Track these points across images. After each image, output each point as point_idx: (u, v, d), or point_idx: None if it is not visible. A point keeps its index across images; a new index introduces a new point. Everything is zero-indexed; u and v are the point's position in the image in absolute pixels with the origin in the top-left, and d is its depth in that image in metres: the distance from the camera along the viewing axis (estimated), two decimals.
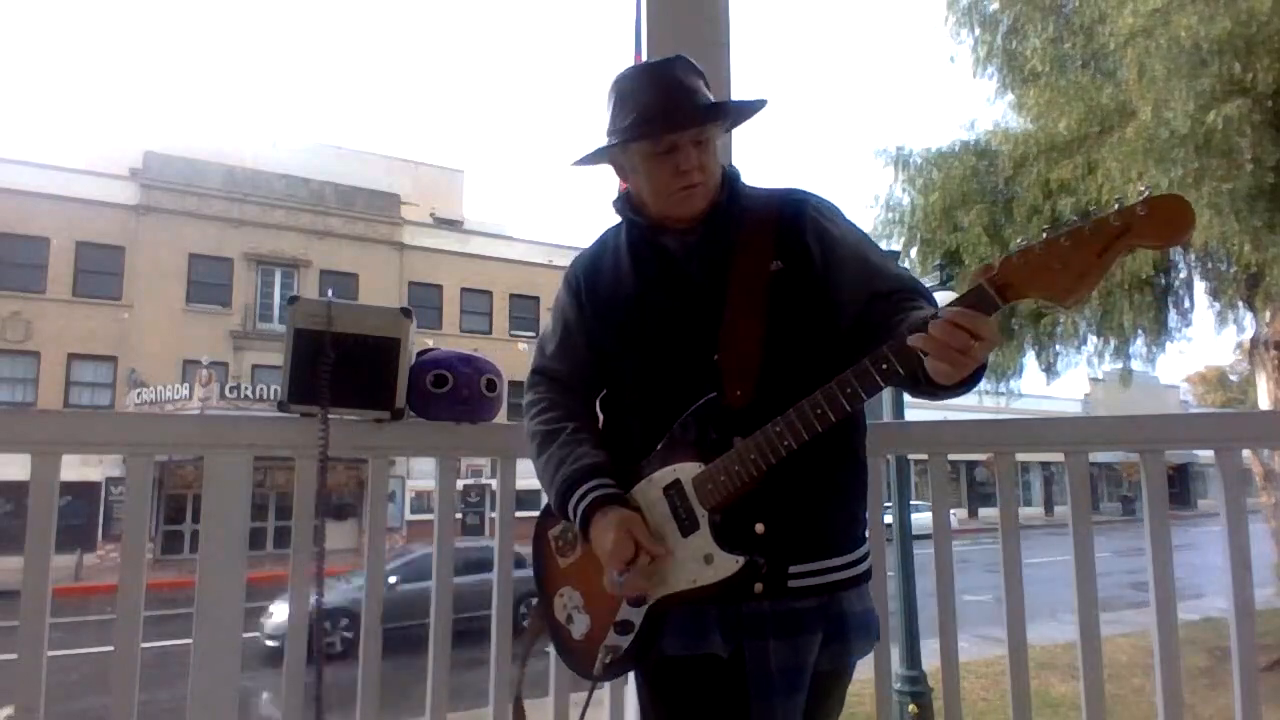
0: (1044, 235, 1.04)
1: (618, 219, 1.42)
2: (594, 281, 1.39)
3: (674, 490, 1.22)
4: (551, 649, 1.52)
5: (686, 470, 1.22)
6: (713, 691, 1.22)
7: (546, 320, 1.48)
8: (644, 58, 2.01)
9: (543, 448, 1.35)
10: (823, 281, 1.28)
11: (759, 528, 1.21)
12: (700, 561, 1.20)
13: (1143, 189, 1.03)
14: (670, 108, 1.26)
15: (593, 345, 1.39)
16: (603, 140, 1.34)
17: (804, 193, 1.37)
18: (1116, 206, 1.01)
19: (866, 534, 1.35)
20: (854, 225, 1.35)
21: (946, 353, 1.03)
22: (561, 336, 1.42)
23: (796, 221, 1.30)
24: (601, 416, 1.42)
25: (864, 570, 1.31)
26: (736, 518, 1.20)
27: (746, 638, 1.21)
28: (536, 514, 1.42)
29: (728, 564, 1.18)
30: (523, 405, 1.45)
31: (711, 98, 1.31)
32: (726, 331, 1.25)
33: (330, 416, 1.70)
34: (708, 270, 1.29)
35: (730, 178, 1.36)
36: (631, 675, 1.41)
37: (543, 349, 1.46)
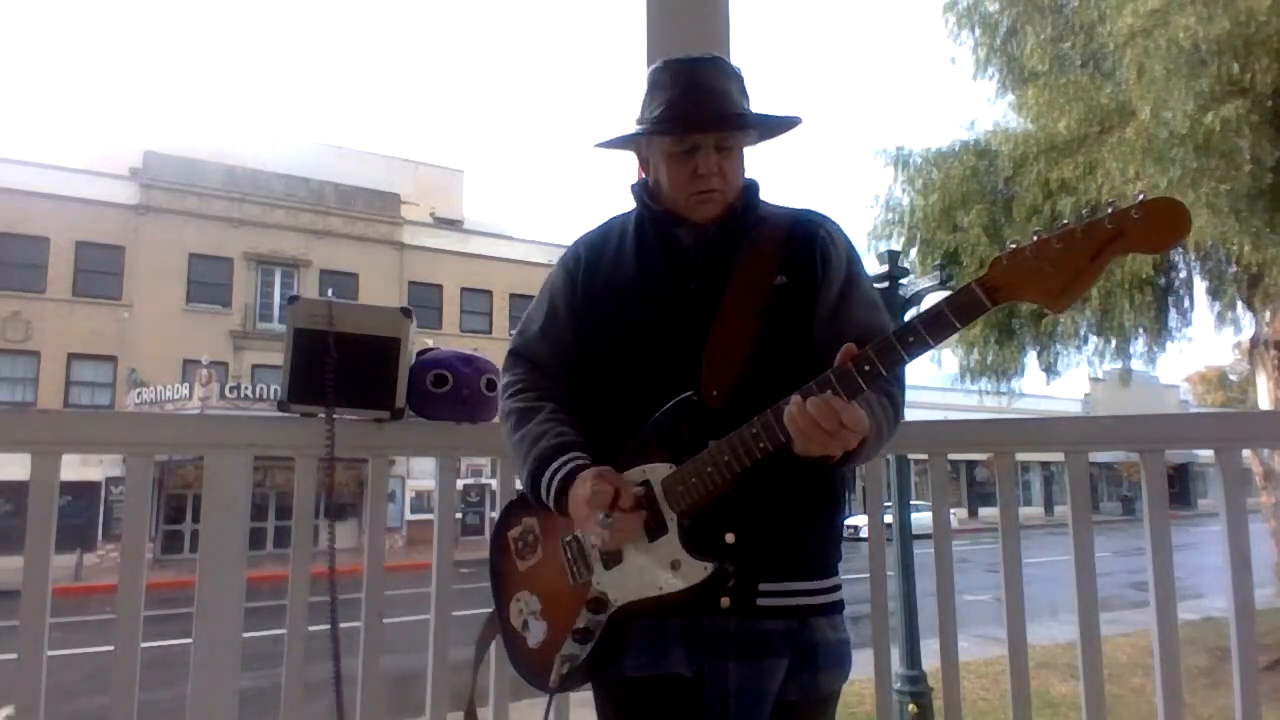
0: (1035, 237, 1.02)
1: (629, 206, 1.40)
2: (594, 263, 1.37)
3: (643, 491, 1.19)
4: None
5: (657, 471, 1.18)
6: (676, 712, 1.18)
7: (534, 300, 1.44)
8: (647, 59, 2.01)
9: (518, 425, 1.31)
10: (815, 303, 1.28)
11: (729, 537, 1.17)
12: (667, 568, 1.15)
13: (1139, 192, 1.01)
14: (696, 108, 1.25)
15: (577, 329, 1.36)
16: (631, 126, 1.33)
17: (821, 215, 1.36)
18: (1110, 209, 0.99)
19: (839, 565, 1.30)
20: (856, 262, 1.34)
21: (815, 433, 1.04)
22: (547, 317, 1.39)
23: (809, 241, 1.30)
24: (578, 404, 1.38)
25: (836, 600, 1.27)
26: (706, 524, 1.16)
27: (707, 656, 1.17)
28: None
29: (695, 571, 1.13)
30: (499, 386, 1.42)
31: (745, 104, 1.29)
32: (716, 333, 1.23)
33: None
34: (712, 269, 1.28)
35: (750, 189, 1.35)
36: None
37: (525, 329, 1.42)
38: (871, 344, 1.07)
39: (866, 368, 1.05)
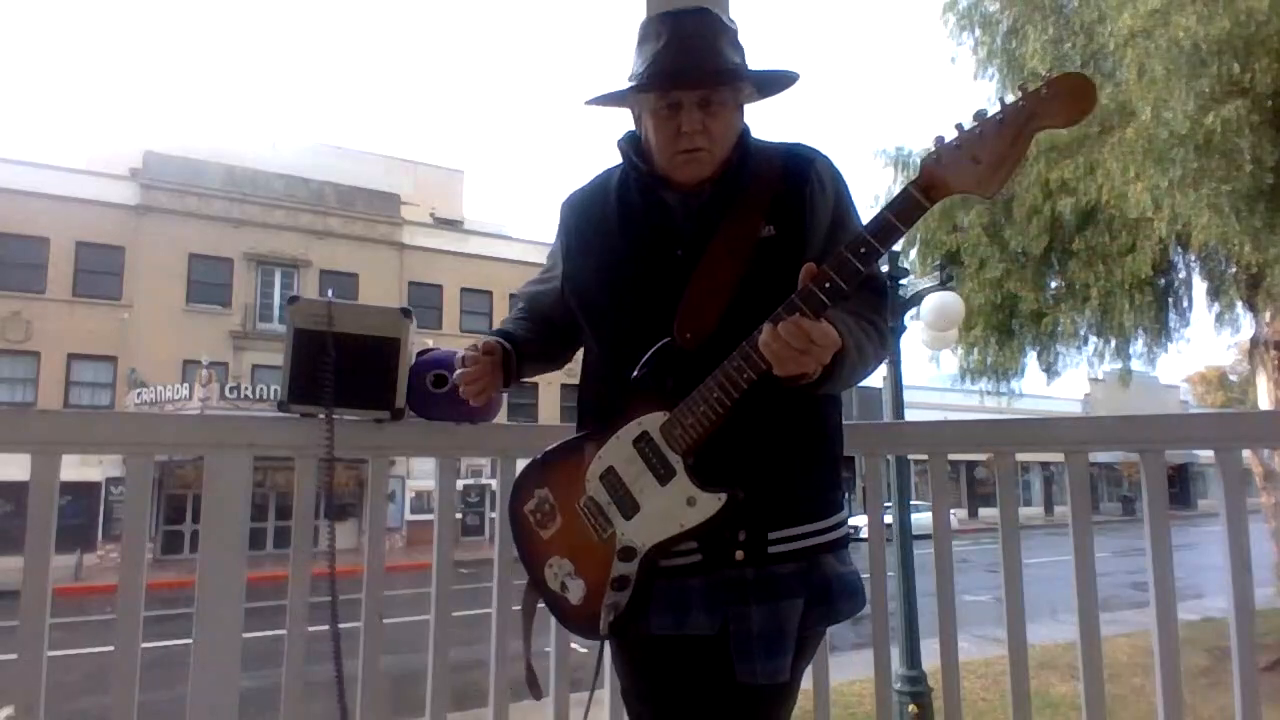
0: (958, 131, 1.08)
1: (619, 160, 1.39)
2: (580, 226, 1.41)
3: (644, 442, 1.23)
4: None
5: (652, 420, 1.22)
6: (697, 669, 1.24)
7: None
8: None
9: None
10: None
11: (738, 495, 1.22)
12: (683, 505, 1.21)
13: (1044, 72, 1.06)
14: (678, 63, 1.22)
15: (572, 290, 1.43)
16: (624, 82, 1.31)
17: (811, 152, 1.34)
18: (1021, 90, 1.06)
19: (843, 501, 1.36)
20: (844, 202, 1.32)
21: (789, 354, 1.09)
22: (551, 257, 1.50)
23: (798, 186, 1.28)
24: (581, 370, 1.45)
25: (842, 535, 1.32)
26: (713, 461, 1.21)
27: (730, 605, 1.22)
28: None
29: (710, 503, 1.19)
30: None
31: (736, 57, 1.26)
32: (693, 283, 1.24)
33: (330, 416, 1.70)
34: (698, 232, 1.27)
35: (742, 140, 1.32)
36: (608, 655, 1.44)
37: (533, 280, 1.54)
38: (828, 261, 1.10)
39: (827, 285, 1.09)
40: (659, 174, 1.31)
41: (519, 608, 1.44)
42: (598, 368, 1.38)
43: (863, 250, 1.09)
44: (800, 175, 1.29)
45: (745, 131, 1.34)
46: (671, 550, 1.23)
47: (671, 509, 1.21)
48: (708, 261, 1.25)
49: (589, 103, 1.34)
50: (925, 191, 1.08)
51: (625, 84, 1.29)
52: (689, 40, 1.24)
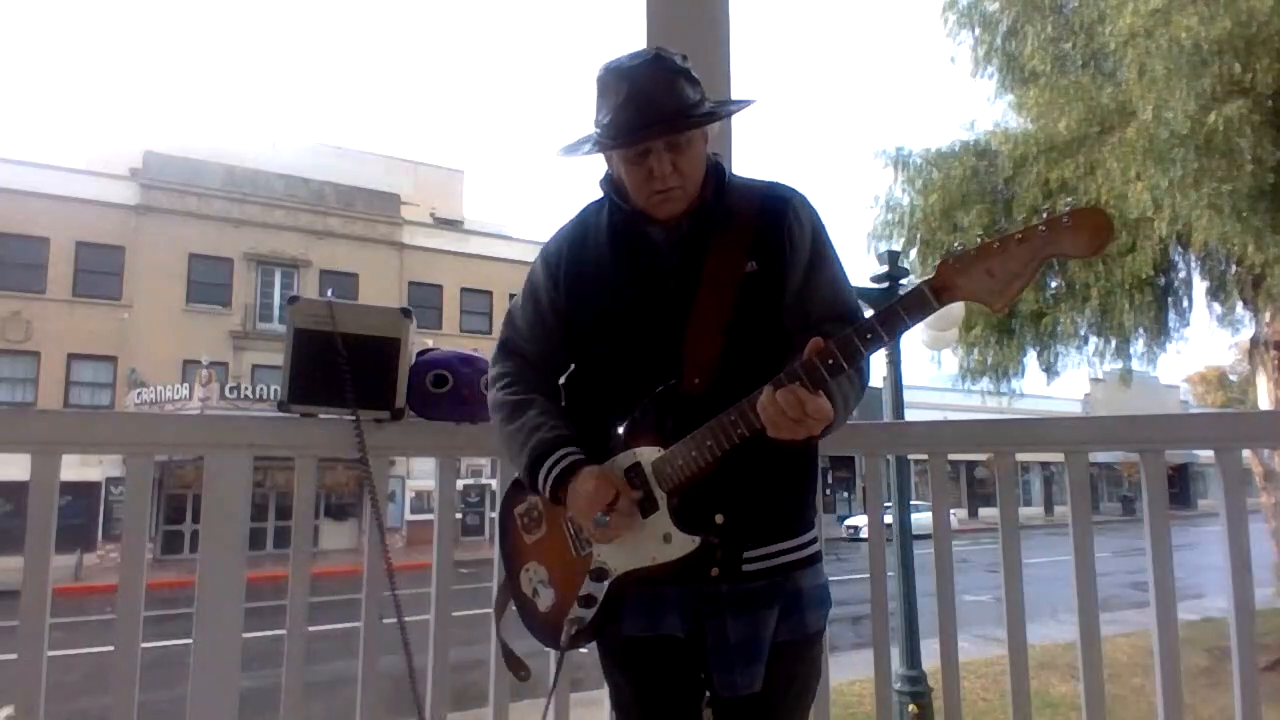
0: (979, 241, 1.12)
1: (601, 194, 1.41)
2: (574, 264, 1.40)
3: (634, 472, 1.27)
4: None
5: (646, 454, 1.26)
6: (670, 668, 1.32)
7: (519, 293, 1.49)
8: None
9: (513, 417, 1.37)
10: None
11: (718, 519, 1.27)
12: (659, 540, 1.26)
13: (1068, 200, 1.07)
14: (638, 115, 1.24)
15: (564, 325, 1.41)
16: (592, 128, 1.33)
17: (789, 192, 1.38)
18: (1045, 216, 1.11)
19: (815, 520, 1.42)
20: (821, 238, 1.36)
21: (783, 421, 1.13)
22: (533, 313, 1.44)
23: (776, 223, 1.33)
24: (565, 394, 1.45)
25: (815, 552, 1.38)
26: (694, 503, 1.26)
27: (706, 617, 1.29)
28: None
29: (685, 543, 1.24)
30: (488, 376, 1.47)
31: (693, 94, 1.28)
32: (694, 325, 1.29)
33: (329, 416, 1.70)
34: (686, 265, 1.32)
35: (716, 173, 1.36)
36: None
37: (513, 321, 1.47)
38: (834, 339, 1.14)
39: (830, 362, 1.14)
40: (639, 211, 1.34)
41: (513, 607, 1.46)
42: (593, 390, 1.39)
43: (869, 336, 1.14)
44: (778, 213, 1.34)
45: (719, 167, 1.38)
46: (640, 581, 1.28)
47: (647, 541, 1.26)
48: (701, 301, 1.29)
49: (562, 153, 1.35)
50: (937, 293, 1.12)
51: (593, 128, 1.31)
52: (644, 92, 1.24)
